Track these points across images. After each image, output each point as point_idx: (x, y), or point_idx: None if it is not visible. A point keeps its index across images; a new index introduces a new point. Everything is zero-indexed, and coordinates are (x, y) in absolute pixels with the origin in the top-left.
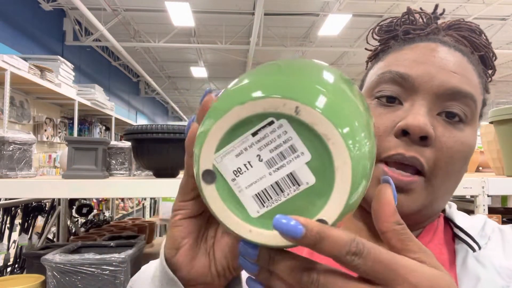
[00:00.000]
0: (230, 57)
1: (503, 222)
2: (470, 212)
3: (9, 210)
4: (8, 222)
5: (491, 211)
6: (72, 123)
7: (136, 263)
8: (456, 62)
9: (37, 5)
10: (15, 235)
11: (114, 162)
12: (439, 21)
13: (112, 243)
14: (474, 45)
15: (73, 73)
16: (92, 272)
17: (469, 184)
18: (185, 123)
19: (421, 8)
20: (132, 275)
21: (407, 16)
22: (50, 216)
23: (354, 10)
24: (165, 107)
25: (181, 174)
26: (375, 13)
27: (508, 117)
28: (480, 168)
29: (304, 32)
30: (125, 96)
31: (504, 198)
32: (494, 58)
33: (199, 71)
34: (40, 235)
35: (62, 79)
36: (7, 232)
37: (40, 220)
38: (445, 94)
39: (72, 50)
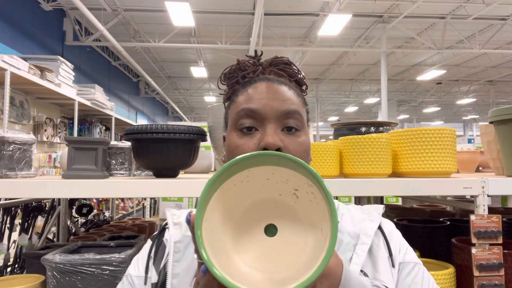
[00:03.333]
0: (230, 57)
1: (503, 222)
2: (470, 212)
3: (9, 210)
4: (8, 222)
5: (491, 211)
6: (72, 123)
7: None
8: (283, 92)
9: (37, 5)
10: (15, 235)
11: (114, 162)
12: (263, 61)
13: (112, 243)
14: (289, 74)
15: (73, 73)
16: (92, 272)
17: (469, 184)
18: (185, 123)
19: (246, 55)
20: None
21: (239, 65)
22: (50, 216)
23: (354, 10)
24: (165, 107)
25: (181, 174)
26: (375, 13)
27: (508, 117)
28: (480, 168)
29: (304, 32)
30: (125, 96)
31: (504, 198)
32: (304, 78)
33: (199, 71)
34: (40, 235)
35: (62, 79)
36: (7, 232)
37: (40, 220)
38: (282, 116)
39: (72, 50)
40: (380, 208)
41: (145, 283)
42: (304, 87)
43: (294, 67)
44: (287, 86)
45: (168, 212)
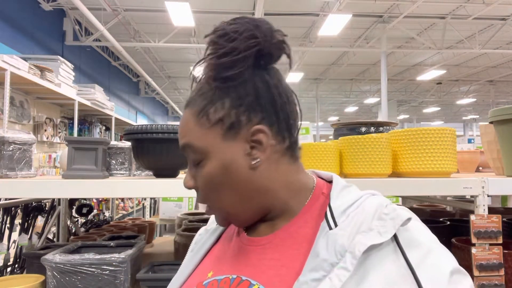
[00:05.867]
0: None
1: (503, 222)
2: (470, 212)
3: (9, 210)
4: (8, 222)
5: (491, 211)
6: (72, 123)
7: (136, 263)
8: (182, 124)
9: (37, 5)
10: (15, 235)
11: (114, 162)
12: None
13: (112, 243)
14: (217, 57)
15: (73, 73)
16: (92, 272)
17: (469, 184)
18: None
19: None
20: (132, 275)
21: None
22: (50, 216)
23: (354, 10)
24: (165, 107)
25: (181, 174)
26: (375, 13)
27: (508, 117)
28: (480, 168)
29: (304, 32)
30: (125, 96)
31: (504, 198)
32: (234, 41)
33: (199, 71)
34: (40, 235)
35: (62, 79)
36: (7, 232)
37: (40, 220)
38: (183, 152)
39: (72, 50)
40: (402, 218)
41: None
42: (231, 56)
43: (223, 42)
44: (189, 106)
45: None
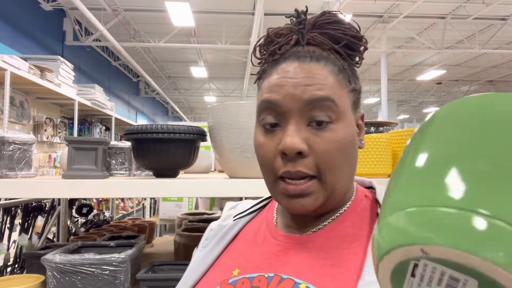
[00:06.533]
0: (230, 57)
1: None
2: None
3: (9, 210)
4: (8, 222)
5: None
6: (72, 123)
7: (136, 263)
8: (308, 74)
9: (37, 5)
10: (15, 235)
11: (114, 162)
12: (309, 17)
13: (112, 243)
14: (335, 38)
15: (73, 73)
16: (92, 272)
17: None
18: (185, 123)
19: (287, 16)
20: (132, 275)
21: (271, 36)
22: (50, 216)
23: (354, 10)
24: (165, 107)
25: (181, 174)
26: (375, 13)
27: None
28: None
29: None
30: (125, 96)
31: None
32: (359, 38)
33: (199, 71)
34: (40, 235)
35: (62, 79)
36: (7, 232)
37: (40, 220)
38: (306, 107)
39: (72, 50)
40: None
41: None
42: (358, 52)
43: (342, 26)
44: (322, 62)
45: (227, 204)
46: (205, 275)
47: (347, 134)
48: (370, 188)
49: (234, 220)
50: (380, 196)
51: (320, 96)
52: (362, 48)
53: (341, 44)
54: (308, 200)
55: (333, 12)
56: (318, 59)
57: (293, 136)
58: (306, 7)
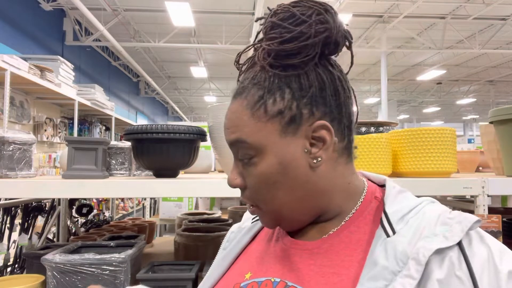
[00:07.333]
0: (230, 57)
1: (503, 222)
2: (470, 212)
3: (9, 210)
4: (8, 222)
5: (491, 211)
6: (72, 123)
7: (136, 263)
8: (230, 115)
9: (37, 5)
10: (15, 235)
11: (114, 162)
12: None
13: (112, 243)
14: (280, 42)
15: (73, 73)
16: (92, 272)
17: (469, 184)
18: (185, 123)
19: (258, 18)
20: (132, 275)
21: (236, 62)
22: (50, 216)
23: (354, 10)
24: (165, 107)
25: (181, 174)
26: (375, 13)
27: (508, 117)
28: (480, 168)
29: None
30: (125, 96)
31: (504, 198)
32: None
33: (199, 71)
34: (40, 235)
35: (62, 79)
36: (7, 232)
37: (40, 220)
38: (231, 148)
39: (72, 50)
40: (470, 220)
41: None
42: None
43: (288, 25)
44: (243, 95)
45: None
46: (222, 278)
47: (272, 164)
48: (384, 186)
49: (252, 222)
50: (388, 197)
51: (232, 139)
52: (312, 33)
53: (273, 55)
54: (263, 221)
55: (286, 7)
56: (241, 92)
57: (232, 172)
58: (268, 8)
